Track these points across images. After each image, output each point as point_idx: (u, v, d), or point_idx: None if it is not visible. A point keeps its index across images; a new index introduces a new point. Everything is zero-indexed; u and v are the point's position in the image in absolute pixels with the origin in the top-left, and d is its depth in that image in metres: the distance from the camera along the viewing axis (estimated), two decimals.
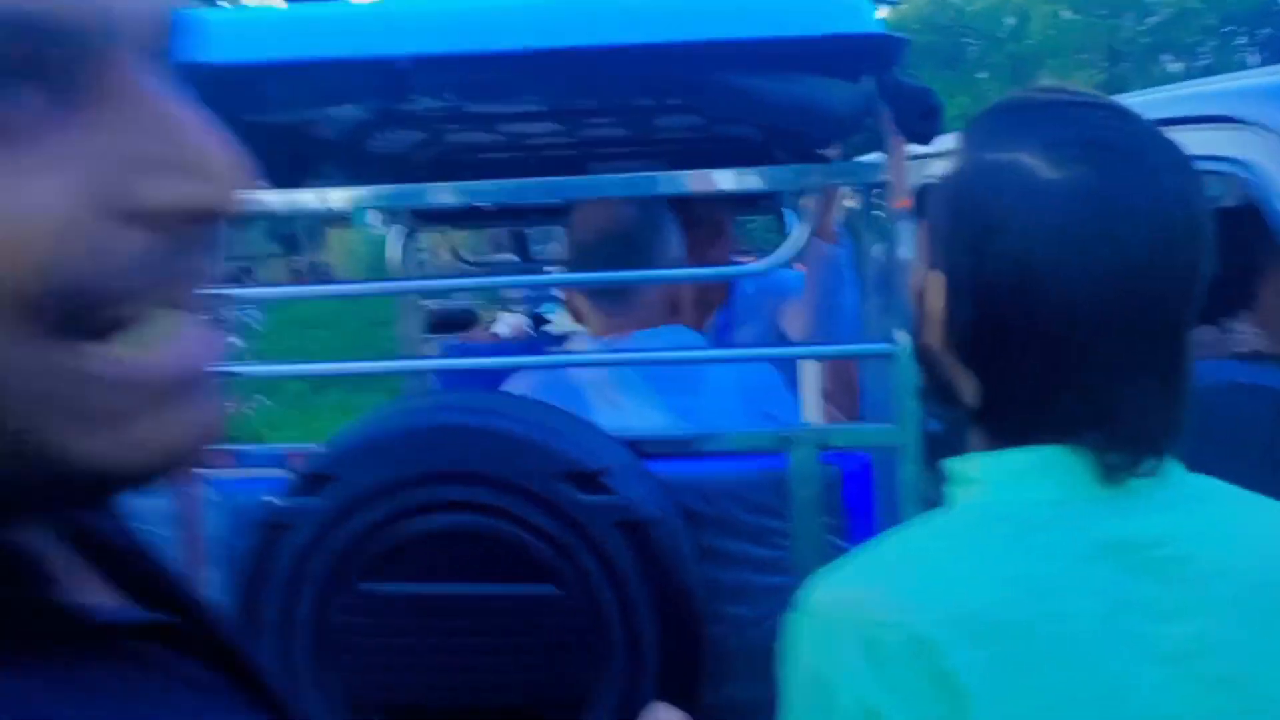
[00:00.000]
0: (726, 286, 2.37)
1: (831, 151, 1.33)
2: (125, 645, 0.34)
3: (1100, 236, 0.64)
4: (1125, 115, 0.71)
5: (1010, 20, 28.14)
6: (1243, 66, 27.79)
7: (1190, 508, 0.69)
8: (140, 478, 0.32)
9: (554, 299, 3.75)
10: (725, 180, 1.17)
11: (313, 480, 1.13)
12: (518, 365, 1.43)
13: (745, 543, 1.22)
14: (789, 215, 2.68)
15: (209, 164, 0.30)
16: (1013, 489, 0.69)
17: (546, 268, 3.54)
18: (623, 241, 1.34)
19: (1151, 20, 26.89)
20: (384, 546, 1.11)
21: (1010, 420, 0.71)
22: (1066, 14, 26.99)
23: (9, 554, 0.31)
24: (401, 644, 1.15)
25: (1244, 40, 28.02)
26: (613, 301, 1.36)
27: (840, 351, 1.57)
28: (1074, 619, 0.64)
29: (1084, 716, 0.63)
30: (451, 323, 3.22)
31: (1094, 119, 0.69)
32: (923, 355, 0.77)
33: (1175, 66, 28.30)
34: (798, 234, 1.22)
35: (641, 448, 1.20)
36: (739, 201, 2.39)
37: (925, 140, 1.17)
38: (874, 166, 1.17)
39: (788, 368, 2.59)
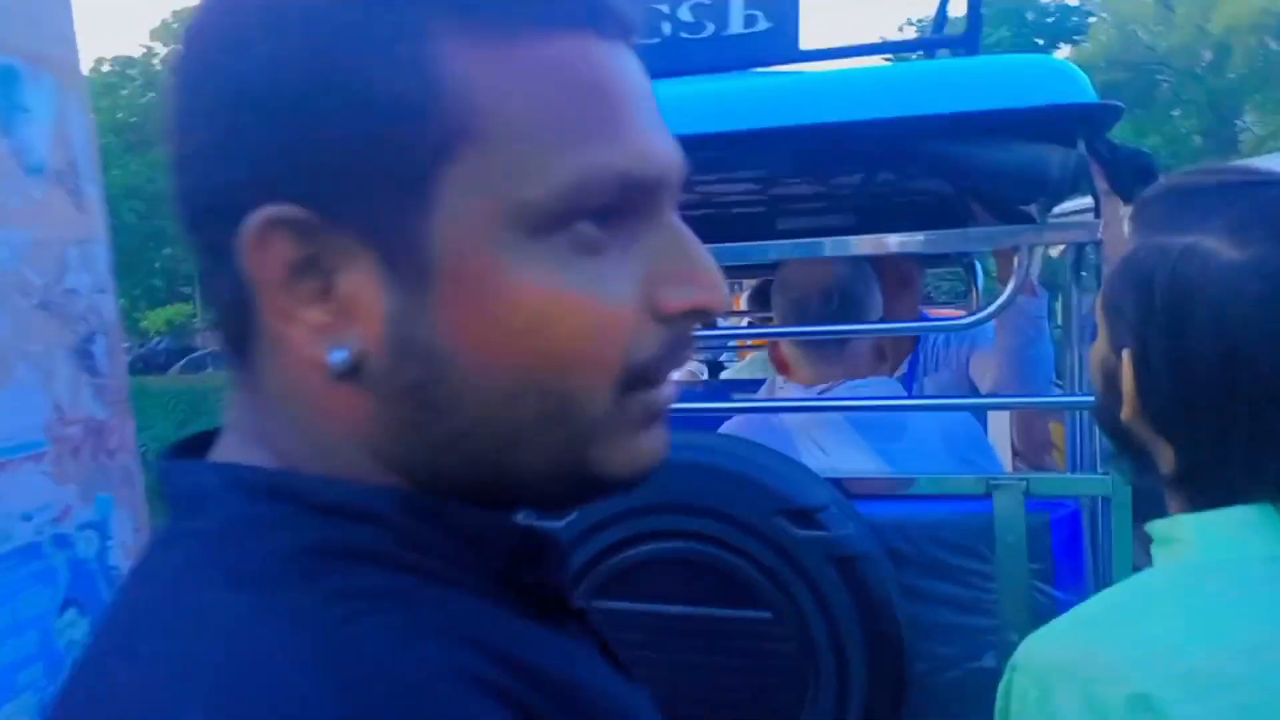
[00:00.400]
0: (915, 336, 2.42)
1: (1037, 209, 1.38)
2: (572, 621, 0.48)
3: None
4: None
5: (1208, 54, 26.53)
6: None
7: None
8: (627, 483, 0.44)
9: (732, 348, 3.85)
10: (952, 241, 1.24)
11: None
12: (743, 409, 1.54)
13: (948, 583, 1.28)
14: (977, 267, 2.69)
15: (709, 279, 0.42)
16: (1226, 547, 0.71)
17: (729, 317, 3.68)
18: (837, 297, 1.43)
19: None
20: (617, 568, 1.24)
21: (1215, 485, 0.73)
22: (1273, 44, 25.21)
23: (545, 541, 0.45)
24: (628, 659, 1.26)
25: None
26: (823, 353, 1.45)
27: (1048, 403, 1.60)
28: None
29: None
30: None
31: (1269, 196, 0.72)
32: (1111, 426, 0.80)
33: None
34: (1010, 291, 1.28)
35: (849, 489, 1.28)
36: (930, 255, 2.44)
37: (1135, 197, 1.21)
38: (1091, 225, 1.21)
39: (979, 418, 2.60)
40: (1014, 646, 1.24)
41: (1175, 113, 27.55)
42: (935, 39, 1.34)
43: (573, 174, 0.38)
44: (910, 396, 1.50)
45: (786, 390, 1.49)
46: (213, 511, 0.40)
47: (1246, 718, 0.64)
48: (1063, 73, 1.17)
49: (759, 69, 1.42)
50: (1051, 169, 1.16)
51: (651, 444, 0.44)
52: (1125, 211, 1.24)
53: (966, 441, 1.45)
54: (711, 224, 1.98)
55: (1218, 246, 0.71)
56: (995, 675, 1.26)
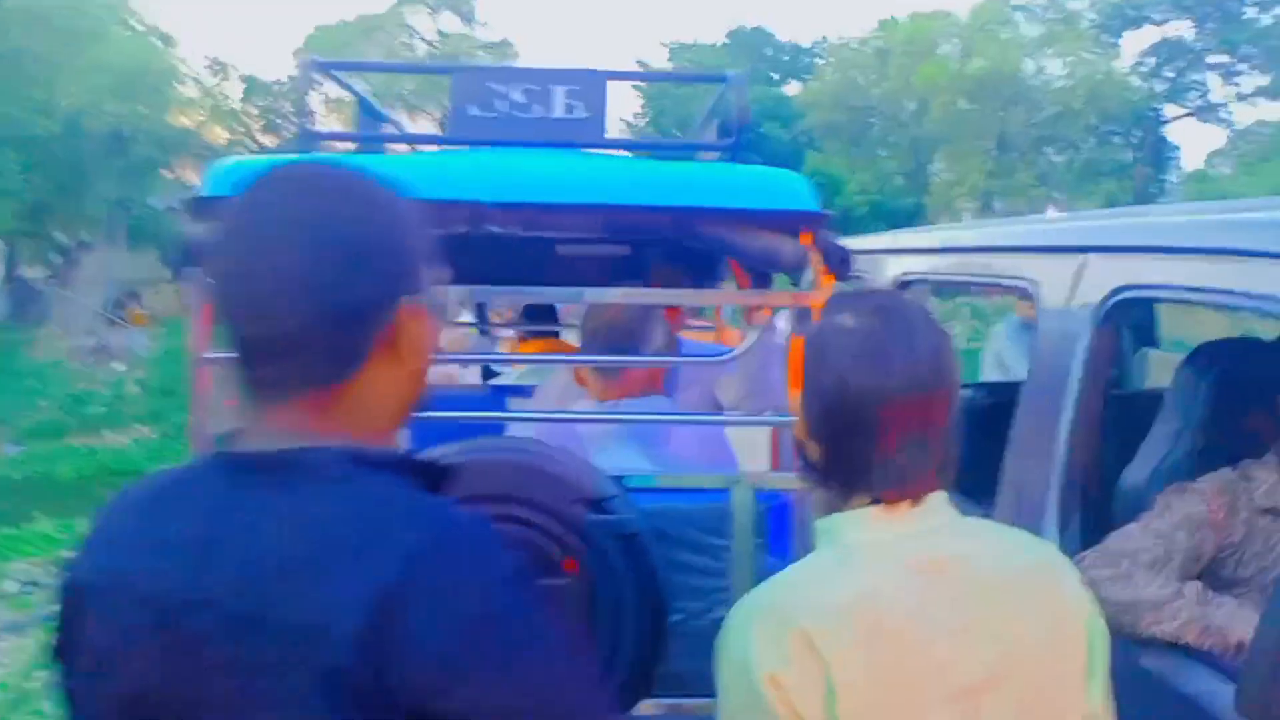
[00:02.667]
0: (677, 355, 2.89)
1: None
2: None
3: (880, 363, 1.07)
4: (901, 298, 1.20)
5: (911, 105, 29.96)
6: (1119, 163, 30.19)
7: (964, 534, 1.13)
8: None
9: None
10: (712, 298, 1.66)
11: None
12: (550, 419, 1.89)
13: (697, 555, 1.70)
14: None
15: None
16: (854, 535, 1.11)
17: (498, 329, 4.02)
18: (620, 332, 1.81)
19: (1039, 116, 29.07)
20: None
21: (845, 481, 1.12)
22: (963, 104, 28.93)
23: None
24: None
25: (1119, 140, 30.52)
26: (610, 376, 1.83)
27: (762, 421, 2.08)
28: (897, 611, 1.03)
29: (901, 669, 1.02)
30: None
31: (879, 298, 1.21)
32: (797, 441, 1.19)
33: (1058, 159, 30.59)
34: (750, 338, 1.72)
35: (627, 484, 1.67)
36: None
37: (842, 277, 1.69)
38: (809, 293, 1.68)
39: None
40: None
41: (883, 153, 30.85)
42: (711, 144, 1.77)
43: None
44: (671, 412, 1.91)
45: (581, 403, 1.86)
46: (371, 462, 0.83)
47: (868, 640, 1.04)
48: (795, 184, 1.62)
49: (576, 148, 1.78)
50: (783, 254, 1.60)
51: None
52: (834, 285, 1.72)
53: (715, 447, 1.88)
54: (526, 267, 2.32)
55: (844, 320, 1.13)
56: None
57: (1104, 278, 1.83)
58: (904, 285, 2.75)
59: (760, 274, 1.80)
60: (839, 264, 1.66)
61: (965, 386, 3.10)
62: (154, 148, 21.14)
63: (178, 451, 9.73)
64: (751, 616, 1.08)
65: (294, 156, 1.73)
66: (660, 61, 34.61)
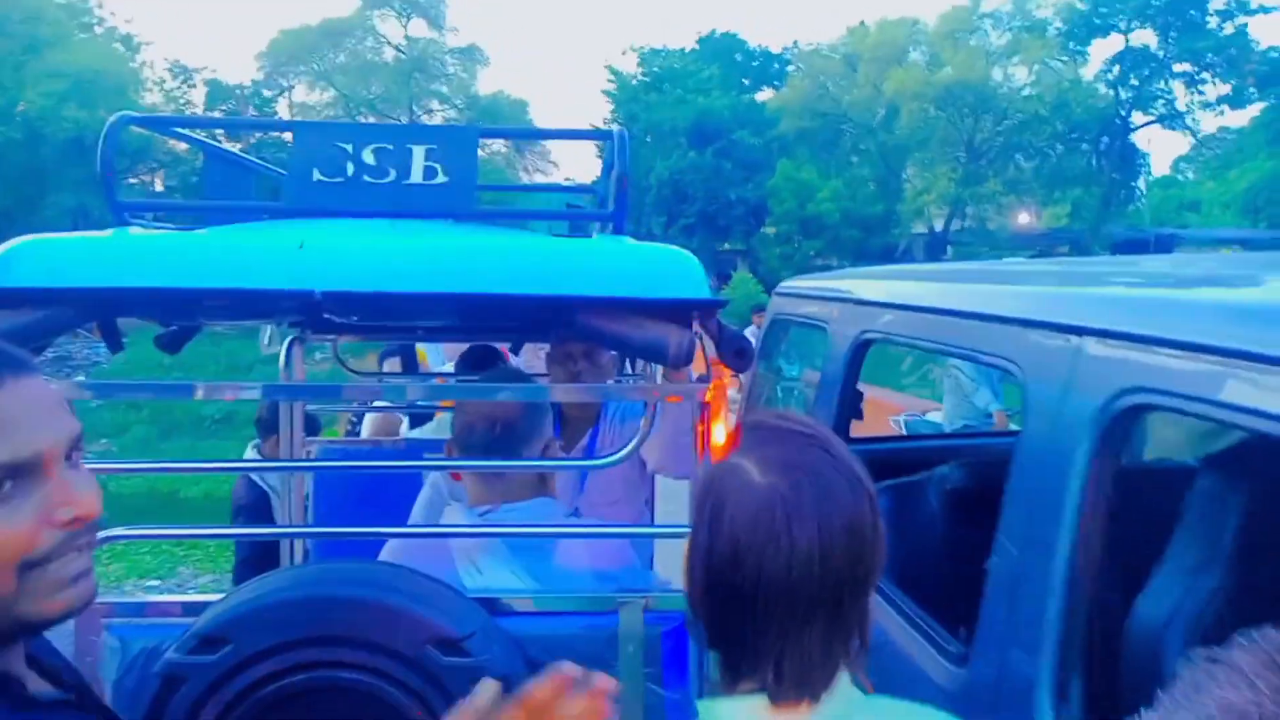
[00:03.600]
0: (598, 410, 2.65)
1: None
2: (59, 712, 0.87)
3: (783, 541, 0.87)
4: (828, 444, 0.94)
5: (881, 112, 29.93)
6: (1087, 169, 30.27)
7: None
8: (55, 620, 0.80)
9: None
10: (603, 393, 1.44)
11: (207, 641, 1.32)
12: (397, 534, 1.66)
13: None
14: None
15: (84, 501, 0.81)
16: None
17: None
18: (500, 427, 1.59)
19: (1007, 123, 29.14)
20: (271, 699, 1.31)
21: (730, 664, 0.93)
22: (932, 111, 28.94)
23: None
24: None
25: (1087, 147, 30.66)
26: (485, 478, 1.60)
27: (659, 533, 1.87)
28: None
29: None
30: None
31: (798, 444, 0.94)
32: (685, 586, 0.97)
33: (1027, 165, 30.69)
34: (641, 435, 1.50)
35: (498, 607, 1.45)
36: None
37: (739, 369, 1.48)
38: (703, 386, 1.46)
39: (649, 480, 2.86)
40: None
41: (854, 160, 30.82)
42: (589, 213, 1.55)
43: None
44: (546, 524, 1.68)
45: (452, 510, 1.63)
46: None
47: None
48: (685, 269, 1.40)
49: (438, 219, 1.55)
50: (669, 345, 1.39)
51: (76, 592, 0.82)
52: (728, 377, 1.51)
53: (611, 555, 1.66)
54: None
55: (748, 472, 0.91)
56: None
57: (1108, 372, 1.41)
58: (864, 345, 2.51)
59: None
60: (734, 356, 1.44)
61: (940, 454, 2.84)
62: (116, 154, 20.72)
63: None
64: None
65: (103, 236, 1.51)
66: (630, 67, 34.40)
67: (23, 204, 21.92)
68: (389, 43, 30.26)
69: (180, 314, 1.59)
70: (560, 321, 1.42)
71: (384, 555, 1.65)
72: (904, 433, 6.75)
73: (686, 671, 1.52)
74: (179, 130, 1.92)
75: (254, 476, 3.62)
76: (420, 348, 3.82)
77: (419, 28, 30.21)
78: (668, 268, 1.41)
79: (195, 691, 1.31)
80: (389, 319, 1.43)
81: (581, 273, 1.38)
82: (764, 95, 33.79)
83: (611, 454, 2.58)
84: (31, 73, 19.81)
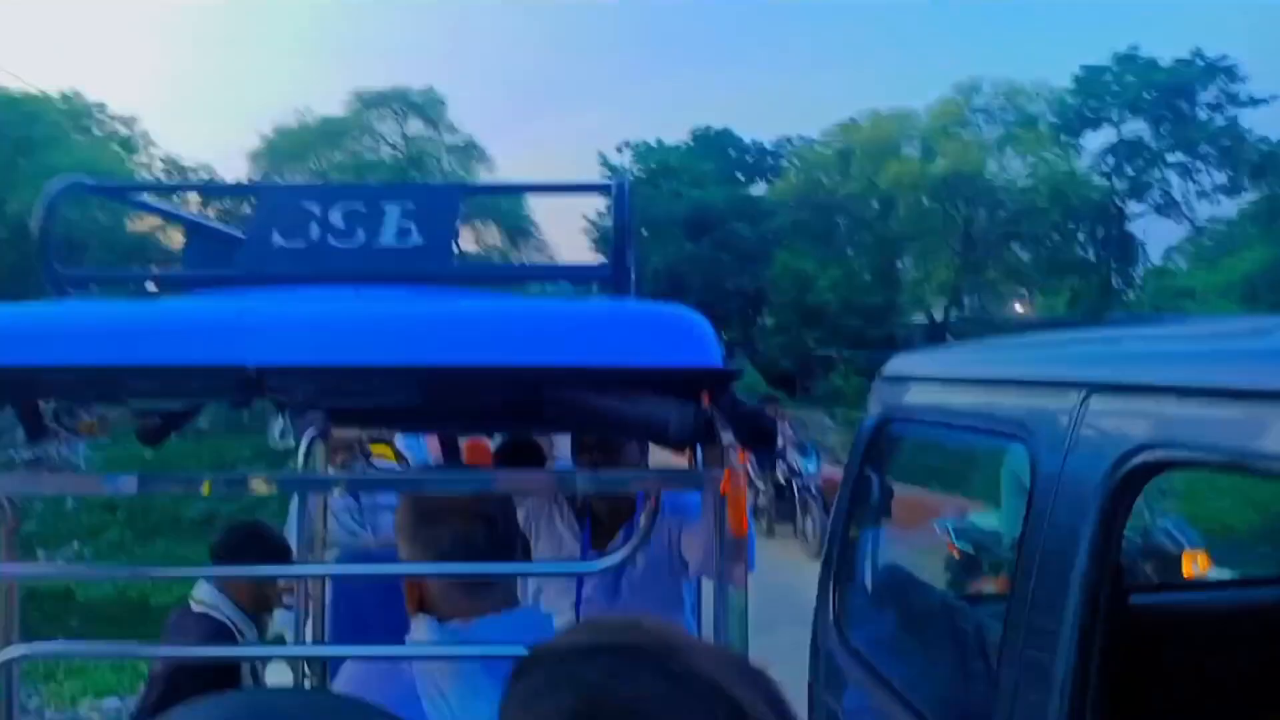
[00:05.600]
0: (631, 506, 2.39)
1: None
2: None
3: None
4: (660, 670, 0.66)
5: (876, 204, 30.22)
6: (1084, 258, 30.28)
7: None
8: None
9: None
10: (594, 483, 1.21)
11: None
12: (352, 656, 1.40)
13: None
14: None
15: None
16: None
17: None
18: (501, 527, 1.34)
19: (1002, 214, 29.36)
20: None
21: None
22: (927, 202, 29.20)
23: None
24: None
25: (1083, 236, 30.84)
26: (468, 589, 1.34)
27: None
28: None
29: None
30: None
31: (620, 669, 0.66)
32: None
33: (1024, 254, 30.80)
34: (641, 534, 1.26)
35: None
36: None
37: (763, 452, 1.24)
38: (715, 476, 1.22)
39: (693, 587, 2.57)
40: None
41: (849, 251, 30.96)
42: (579, 268, 1.33)
43: None
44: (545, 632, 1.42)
45: (419, 625, 1.36)
46: None
47: None
48: (691, 333, 1.18)
49: (413, 283, 1.34)
50: (671, 423, 1.16)
51: None
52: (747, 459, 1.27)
53: None
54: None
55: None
56: None
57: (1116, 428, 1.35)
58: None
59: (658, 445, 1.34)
60: (753, 436, 1.21)
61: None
62: (109, 254, 20.73)
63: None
64: None
65: (43, 304, 1.31)
66: (625, 162, 34.87)
67: (12, 300, 21.78)
68: (386, 141, 30.65)
69: (102, 395, 1.37)
70: (542, 399, 1.20)
71: (340, 680, 1.39)
72: (951, 540, 5.99)
73: None
74: (134, 199, 1.74)
75: (211, 610, 2.67)
76: (398, 446, 3.51)
77: (416, 127, 30.64)
78: (669, 330, 1.19)
79: None
80: (341, 399, 1.21)
81: (563, 338, 1.16)
82: (759, 189, 34.24)
83: (649, 551, 2.31)
84: (23, 172, 19.91)
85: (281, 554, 2.55)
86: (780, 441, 12.31)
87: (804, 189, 30.71)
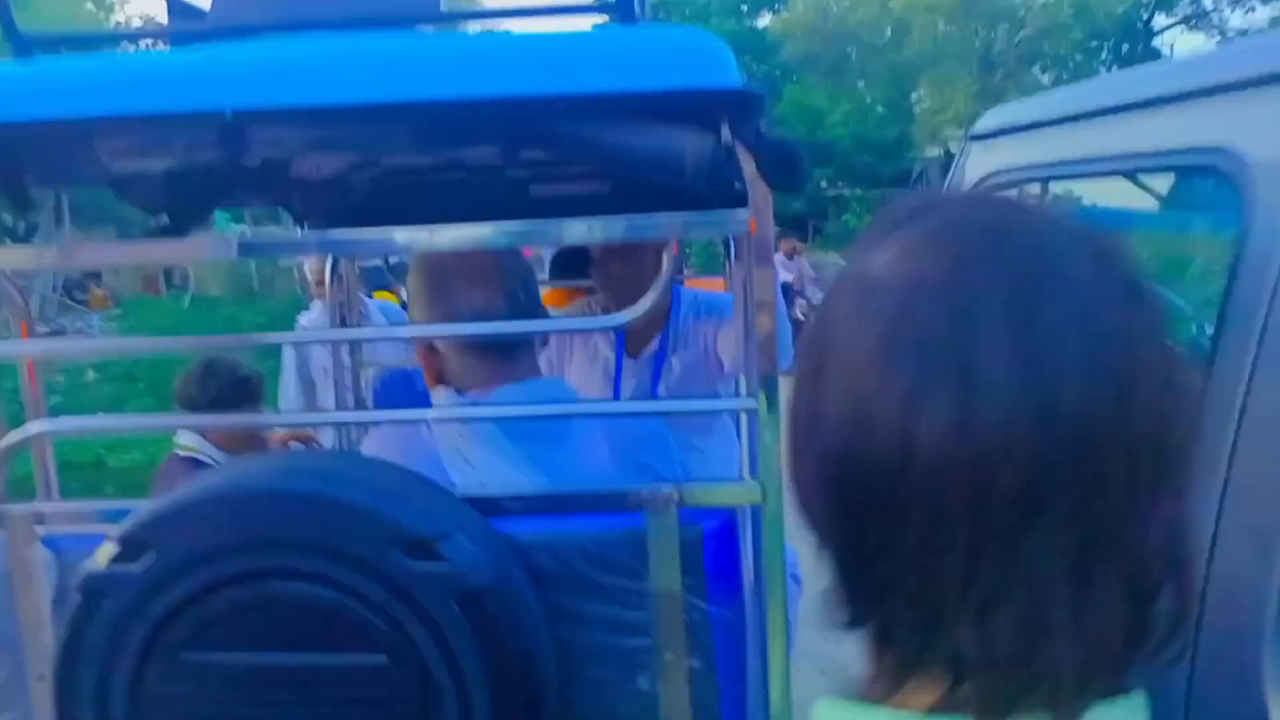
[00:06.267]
0: (666, 309, 2.33)
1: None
2: None
3: (943, 361, 0.44)
4: (1022, 206, 0.51)
5: (888, 30, 28.94)
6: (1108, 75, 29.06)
7: None
8: None
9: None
10: (589, 231, 1.12)
11: (130, 547, 1.04)
12: (373, 421, 1.35)
13: (600, 603, 1.18)
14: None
15: None
16: None
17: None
18: (523, 295, 1.27)
19: (1023, 33, 28.08)
20: (206, 615, 1.03)
21: (890, 630, 0.50)
22: (942, 25, 27.92)
23: None
24: (224, 714, 1.07)
25: (1107, 55, 29.58)
26: (486, 357, 1.27)
27: (704, 407, 1.54)
28: None
29: None
30: None
31: (971, 205, 0.52)
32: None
33: (1045, 77, 29.62)
34: (661, 284, 1.18)
35: (491, 507, 1.14)
36: None
37: (790, 189, 1.15)
38: (740, 216, 1.13)
39: (731, 386, 2.52)
40: (669, 666, 1.17)
41: (861, 84, 29.86)
42: (587, 6, 1.20)
43: None
44: (571, 400, 1.36)
45: (438, 396, 1.31)
46: None
47: None
48: (707, 53, 1.06)
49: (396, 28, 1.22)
50: (688, 156, 1.06)
51: None
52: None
53: (638, 445, 1.34)
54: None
55: (880, 259, 0.49)
56: (650, 698, 1.19)
57: None
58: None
59: (668, 200, 1.24)
60: (779, 169, 1.11)
61: None
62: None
63: (139, 441, 9.14)
64: None
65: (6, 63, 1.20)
66: None
67: None
68: None
69: (77, 159, 1.27)
70: (539, 135, 1.09)
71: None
72: None
73: (737, 582, 1.22)
74: None
75: (195, 454, 2.76)
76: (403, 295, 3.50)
77: None
78: (680, 53, 1.07)
79: (116, 609, 1.02)
80: (326, 148, 1.11)
81: (562, 65, 1.04)
82: (764, 20, 32.76)
83: (685, 354, 2.25)
84: None
85: (244, 384, 2.69)
86: (799, 279, 12.24)
87: (812, 18, 29.36)
